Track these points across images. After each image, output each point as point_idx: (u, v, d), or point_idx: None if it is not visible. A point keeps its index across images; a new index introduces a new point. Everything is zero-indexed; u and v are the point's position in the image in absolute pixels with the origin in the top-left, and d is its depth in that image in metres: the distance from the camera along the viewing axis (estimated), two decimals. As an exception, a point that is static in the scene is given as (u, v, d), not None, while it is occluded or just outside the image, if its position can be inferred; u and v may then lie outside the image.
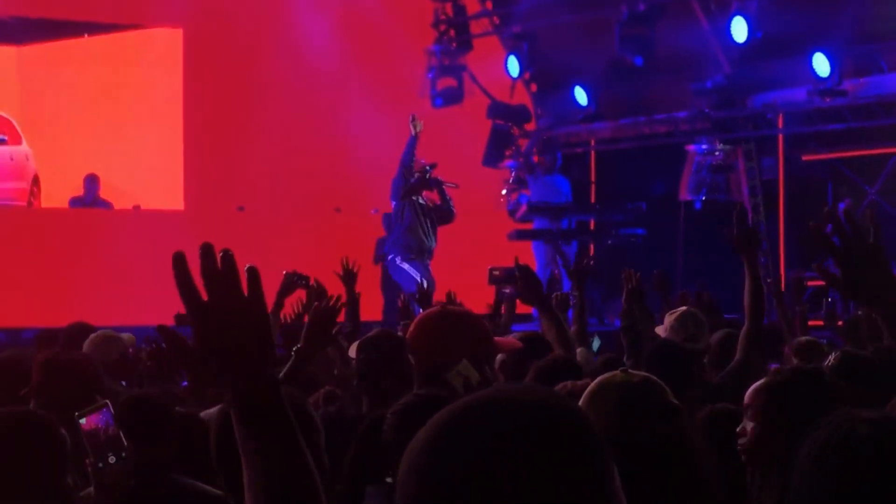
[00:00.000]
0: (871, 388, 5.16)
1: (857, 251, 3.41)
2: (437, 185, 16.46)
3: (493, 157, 21.46)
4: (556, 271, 17.16)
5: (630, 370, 4.14)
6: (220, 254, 2.31)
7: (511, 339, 6.53)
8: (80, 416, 4.07)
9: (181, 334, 2.35)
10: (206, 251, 2.30)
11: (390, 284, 17.11)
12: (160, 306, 7.76)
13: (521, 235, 19.98)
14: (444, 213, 16.53)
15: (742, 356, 7.12)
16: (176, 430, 4.91)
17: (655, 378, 4.10)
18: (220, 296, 2.32)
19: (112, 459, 3.96)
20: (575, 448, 1.85)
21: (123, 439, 4.00)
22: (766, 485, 4.18)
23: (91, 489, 4.10)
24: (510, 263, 9.15)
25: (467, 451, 1.82)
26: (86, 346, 8.11)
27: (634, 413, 3.62)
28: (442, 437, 1.85)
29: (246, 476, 2.28)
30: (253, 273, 2.33)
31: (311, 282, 8.71)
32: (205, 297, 2.33)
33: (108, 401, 4.20)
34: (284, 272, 8.50)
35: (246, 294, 2.32)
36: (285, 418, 2.30)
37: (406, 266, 16.30)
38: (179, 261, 2.29)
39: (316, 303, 6.23)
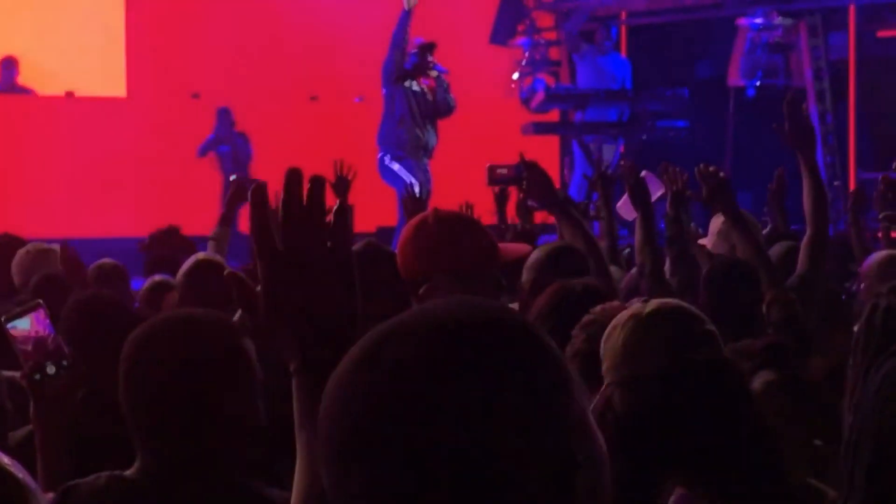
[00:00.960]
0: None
1: None
2: (431, 69, 16.52)
3: (502, 33, 21.44)
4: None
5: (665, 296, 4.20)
6: (288, 175, 2.21)
7: (519, 245, 6.50)
8: (8, 320, 4.07)
9: (250, 284, 2.29)
10: (292, 179, 2.22)
11: None
12: (98, 213, 7.81)
13: (537, 129, 20.01)
14: (440, 106, 16.56)
15: (806, 268, 7.12)
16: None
17: (688, 307, 4.16)
18: (299, 241, 2.26)
19: (51, 370, 3.97)
20: (507, 363, 1.80)
21: (64, 346, 4.00)
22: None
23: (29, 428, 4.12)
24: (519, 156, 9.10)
25: (369, 385, 1.80)
26: (16, 263, 8.17)
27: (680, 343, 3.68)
28: (345, 374, 1.85)
29: (300, 448, 2.26)
30: (342, 213, 2.27)
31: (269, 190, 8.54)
32: (280, 240, 2.26)
33: (40, 300, 4.20)
34: (232, 177, 8.39)
35: (331, 240, 2.26)
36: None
37: (396, 167, 16.33)
38: (259, 193, 2.21)
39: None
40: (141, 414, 3.54)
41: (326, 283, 2.26)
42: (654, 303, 4.14)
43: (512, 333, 1.84)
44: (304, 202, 2.23)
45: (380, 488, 1.78)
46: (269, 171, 9.17)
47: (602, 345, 3.80)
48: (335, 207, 2.26)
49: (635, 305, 4.19)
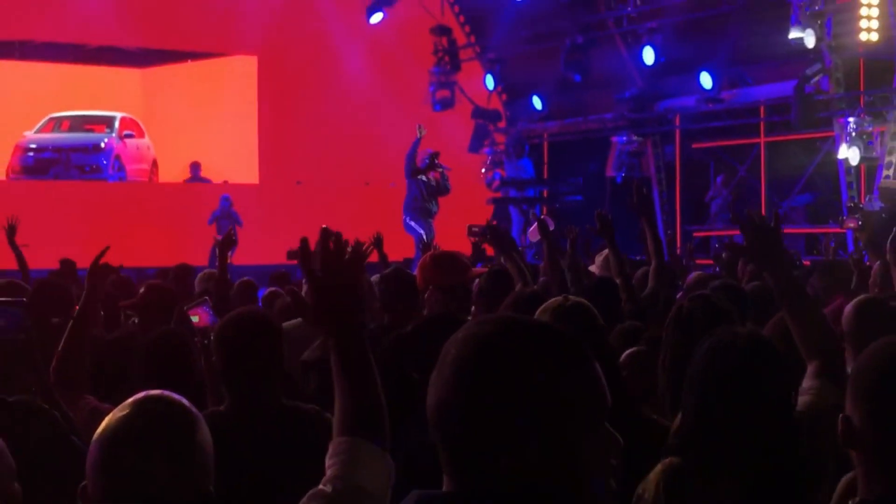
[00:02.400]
0: (739, 307, 5.09)
1: (762, 235, 3.49)
2: (438, 167, 16.54)
3: (475, 146, 21.48)
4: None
5: (571, 297, 4.09)
6: (321, 232, 2.33)
7: (480, 269, 6.46)
8: (188, 308, 4.08)
9: (301, 295, 2.38)
10: (324, 234, 2.33)
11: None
12: (239, 251, 7.79)
13: (495, 201, 20.11)
14: (441, 189, 16.57)
15: (653, 285, 7.03)
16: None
17: (587, 303, 4.06)
18: (327, 269, 2.32)
19: (213, 336, 3.96)
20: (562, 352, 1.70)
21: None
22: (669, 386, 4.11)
23: None
24: (486, 221, 9.06)
25: (459, 354, 1.70)
26: (197, 281, 8.12)
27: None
28: (450, 345, 1.73)
29: (337, 393, 2.29)
30: (358, 250, 2.35)
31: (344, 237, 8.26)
32: (318, 267, 2.34)
33: (207, 297, 4.22)
34: (321, 227, 8.20)
35: (346, 268, 2.34)
36: (366, 356, 2.31)
37: (413, 223, 16.38)
38: (304, 244, 2.36)
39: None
40: (226, 370, 3.54)
41: (344, 292, 2.31)
42: (572, 299, 4.05)
43: (561, 349, 1.72)
44: (332, 247, 2.34)
45: (440, 404, 1.70)
46: (342, 226, 9.07)
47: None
48: (352, 248, 2.35)
49: (558, 299, 4.09)
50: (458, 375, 1.69)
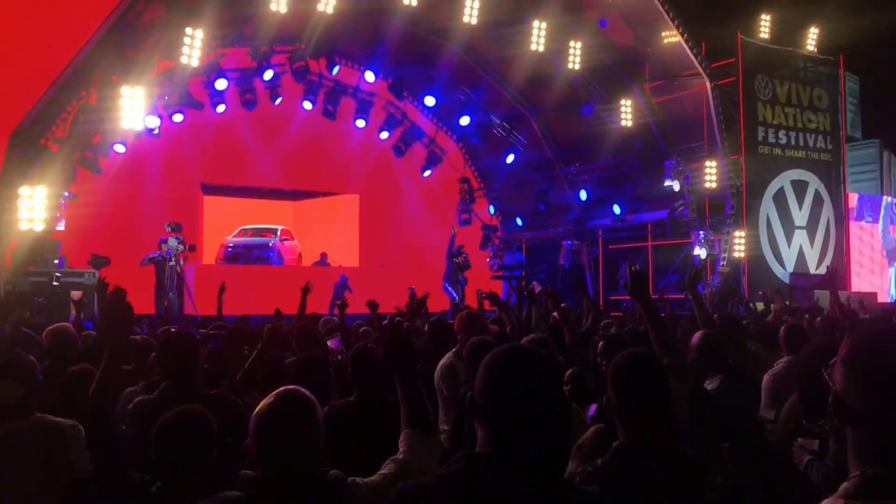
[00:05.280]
0: (638, 343, 4.98)
1: (636, 279, 3.38)
2: (463, 254, 16.53)
3: (483, 246, 21.38)
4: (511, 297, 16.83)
5: (540, 334, 4.01)
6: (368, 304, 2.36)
7: (493, 327, 6.30)
8: (325, 338, 3.97)
9: (375, 351, 2.32)
10: (372, 305, 2.37)
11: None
12: (350, 313, 7.63)
13: (495, 277, 19.85)
14: (465, 267, 16.50)
15: (589, 325, 6.92)
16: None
17: (549, 338, 4.00)
18: (390, 337, 2.30)
19: (339, 357, 3.87)
20: (552, 372, 1.66)
21: (344, 348, 3.89)
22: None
23: None
24: (492, 289, 8.94)
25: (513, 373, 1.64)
26: (321, 323, 7.95)
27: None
28: (493, 366, 1.66)
29: (402, 404, 2.27)
30: (409, 330, 2.34)
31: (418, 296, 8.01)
32: (389, 334, 2.31)
33: (338, 333, 4.11)
34: (368, 301, 7.64)
35: (403, 341, 2.30)
36: (416, 384, 2.29)
37: (449, 288, 16.27)
38: (374, 311, 2.34)
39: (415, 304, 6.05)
40: (357, 375, 3.29)
41: (403, 354, 2.27)
42: (541, 336, 3.97)
43: (539, 361, 1.66)
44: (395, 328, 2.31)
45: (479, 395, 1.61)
46: (403, 293, 8.89)
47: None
48: (405, 330, 2.29)
49: (537, 335, 4.00)
50: (489, 374, 1.65)
